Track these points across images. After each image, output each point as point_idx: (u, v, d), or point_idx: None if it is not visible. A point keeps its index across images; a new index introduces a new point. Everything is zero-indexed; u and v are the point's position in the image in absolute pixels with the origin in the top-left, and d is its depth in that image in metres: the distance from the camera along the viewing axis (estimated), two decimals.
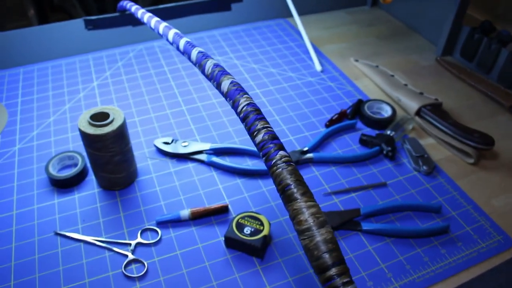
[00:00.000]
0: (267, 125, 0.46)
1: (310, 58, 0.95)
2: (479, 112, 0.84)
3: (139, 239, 0.59)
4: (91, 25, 0.92)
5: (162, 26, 0.67)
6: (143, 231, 0.60)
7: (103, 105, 0.82)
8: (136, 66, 0.92)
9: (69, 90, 0.86)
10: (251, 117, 0.47)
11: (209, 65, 0.54)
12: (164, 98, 0.83)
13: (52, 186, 0.67)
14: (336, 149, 0.74)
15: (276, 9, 1.10)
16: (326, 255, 0.38)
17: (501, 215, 0.65)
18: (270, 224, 0.60)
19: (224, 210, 0.63)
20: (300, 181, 0.42)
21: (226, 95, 0.50)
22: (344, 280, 0.37)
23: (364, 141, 0.74)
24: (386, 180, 0.69)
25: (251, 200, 0.65)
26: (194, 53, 0.57)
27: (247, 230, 0.58)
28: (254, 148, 0.72)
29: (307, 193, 0.42)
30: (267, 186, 0.67)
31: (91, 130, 0.59)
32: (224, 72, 0.52)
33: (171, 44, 0.64)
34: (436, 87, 0.89)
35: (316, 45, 1.01)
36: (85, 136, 0.59)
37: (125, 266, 0.56)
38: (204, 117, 0.79)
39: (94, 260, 0.57)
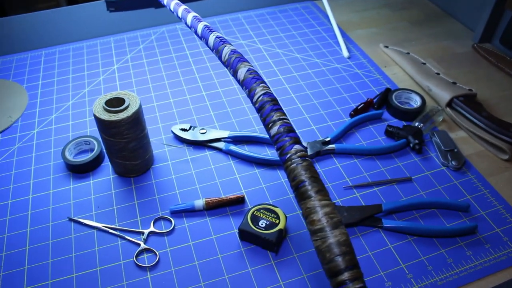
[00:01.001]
0: (283, 117, 0.44)
1: (338, 44, 0.91)
2: None
3: (152, 228, 0.58)
4: (113, 7, 0.91)
5: (181, 9, 0.65)
6: (157, 220, 0.59)
7: (122, 89, 0.81)
8: (158, 49, 0.91)
9: (89, 73, 0.85)
10: (267, 108, 0.44)
11: (226, 51, 0.52)
12: (185, 83, 0.81)
13: (68, 171, 0.66)
14: (360, 140, 0.71)
15: None
16: (339, 258, 0.36)
17: None
18: (286, 217, 0.57)
19: (240, 201, 0.61)
20: (315, 178, 0.40)
21: (242, 83, 0.48)
22: (357, 286, 0.35)
23: (390, 133, 0.70)
24: (412, 174, 0.66)
25: (269, 191, 0.63)
26: (211, 38, 0.55)
27: (262, 223, 0.56)
28: None
29: (322, 191, 0.39)
30: (285, 177, 0.65)
31: (106, 116, 0.58)
32: (241, 59, 0.50)
33: (190, 28, 0.62)
34: (471, 76, 0.84)
35: (344, 30, 0.97)
36: (99, 122, 0.58)
37: (137, 255, 0.55)
38: (224, 104, 0.77)
39: (106, 248, 0.56)
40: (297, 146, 0.41)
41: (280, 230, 0.56)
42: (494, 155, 0.69)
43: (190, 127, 0.71)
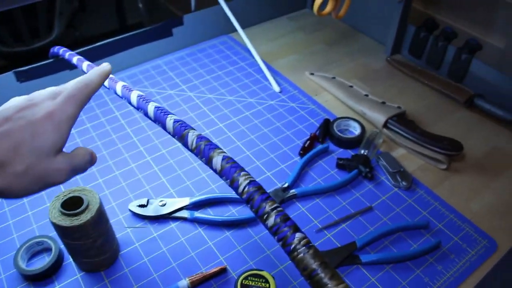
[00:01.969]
0: (275, 205, 0.44)
1: (265, 78, 0.93)
2: (437, 112, 0.86)
3: None
4: (24, 77, 0.83)
5: (119, 85, 0.61)
6: None
7: None
8: (83, 115, 0.85)
9: None
10: (257, 199, 0.44)
11: (192, 137, 0.50)
12: (124, 150, 0.78)
13: (26, 281, 0.60)
14: (315, 178, 0.73)
15: (218, 26, 1.06)
16: None
17: (480, 219, 0.68)
18: (274, 278, 0.58)
19: (222, 271, 0.61)
20: (325, 264, 0.41)
21: (220, 174, 0.47)
22: None
23: (341, 165, 0.74)
24: (370, 202, 0.70)
25: (246, 252, 0.63)
26: (169, 123, 0.53)
27: None
28: (235, 196, 0.69)
29: (334, 276, 0.40)
30: (257, 234, 0.65)
31: (67, 222, 0.53)
32: (212, 146, 0.49)
33: (132, 105, 0.59)
34: (393, 91, 0.91)
35: (266, 61, 0.99)
36: (60, 229, 0.54)
37: None
38: (173, 166, 0.75)
39: None
40: (298, 235, 0.42)
41: None
42: (434, 167, 0.76)
43: (148, 201, 0.68)
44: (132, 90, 0.58)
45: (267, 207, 0.44)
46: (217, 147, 0.49)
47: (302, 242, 0.42)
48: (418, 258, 0.63)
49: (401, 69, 0.94)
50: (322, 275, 0.40)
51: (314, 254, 0.41)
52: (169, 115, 0.53)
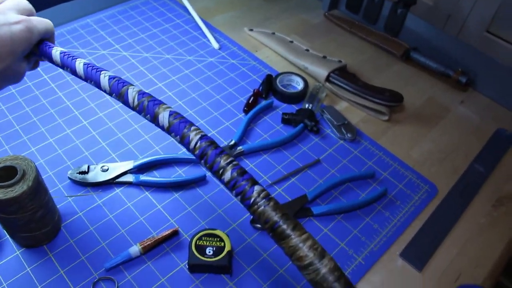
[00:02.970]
0: (230, 159, 0.42)
1: (203, 35, 0.89)
2: (376, 66, 0.88)
3: None
4: None
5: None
6: (96, 283, 0.54)
7: None
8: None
9: None
10: (210, 154, 0.42)
11: (132, 94, 0.46)
12: (57, 115, 0.72)
13: None
14: (261, 134, 0.72)
15: None
16: (336, 285, 0.38)
17: (421, 165, 0.71)
18: (228, 236, 0.57)
19: (174, 234, 0.59)
20: (286, 215, 0.40)
21: (168, 131, 0.45)
22: None
23: (287, 120, 0.74)
24: (318, 156, 0.70)
25: (197, 213, 0.62)
26: (104, 80, 0.48)
27: (209, 250, 0.56)
28: (181, 156, 0.67)
29: (297, 226, 0.40)
30: (207, 194, 0.64)
31: (0, 195, 0.48)
32: (156, 101, 0.46)
33: (55, 64, 0.53)
34: (333, 46, 0.91)
35: (204, 19, 0.95)
36: None
37: None
38: (112, 129, 0.70)
39: None
40: (257, 188, 0.41)
41: (228, 251, 0.56)
42: (376, 118, 0.77)
43: (88, 167, 0.64)
44: (52, 47, 0.52)
45: (222, 161, 0.42)
46: (162, 102, 0.46)
47: (261, 195, 0.41)
48: (367, 207, 0.65)
49: (339, 24, 0.94)
50: (285, 226, 0.40)
51: (275, 206, 0.40)
52: (102, 72, 0.49)
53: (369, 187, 0.67)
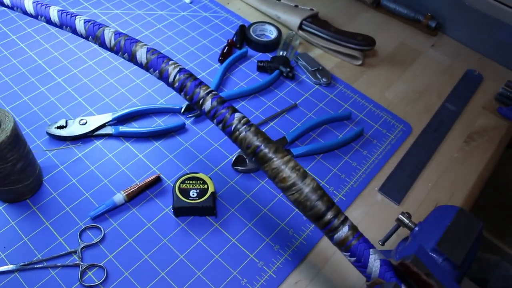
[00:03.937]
0: (209, 90, 0.43)
1: None
2: (347, 13, 0.89)
3: (82, 243, 0.53)
4: None
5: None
6: (82, 232, 0.54)
7: None
8: None
9: None
10: (190, 86, 0.43)
11: (108, 35, 0.46)
12: (30, 73, 0.70)
13: None
14: (238, 82, 0.73)
15: None
16: (319, 203, 0.39)
17: (395, 106, 0.73)
18: (211, 179, 0.58)
19: (157, 180, 0.59)
20: (267, 139, 0.41)
21: (147, 67, 0.45)
22: (341, 219, 0.39)
23: (262, 68, 0.74)
24: (294, 100, 0.71)
25: (178, 160, 0.62)
26: (80, 23, 0.48)
27: (193, 193, 0.56)
28: (159, 106, 0.66)
29: (278, 149, 0.41)
30: (187, 141, 0.64)
31: None
32: (133, 40, 0.46)
33: (29, 15, 0.53)
34: None
35: None
36: None
37: (82, 277, 0.50)
38: (87, 85, 0.70)
39: (41, 286, 0.49)
40: (237, 115, 0.42)
41: (212, 193, 0.57)
42: (350, 63, 0.78)
43: (66, 122, 0.63)
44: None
45: (202, 92, 0.42)
46: (138, 40, 0.46)
47: (242, 121, 0.42)
48: (345, 146, 0.67)
49: None
50: (266, 150, 0.41)
51: (256, 132, 0.41)
52: (77, 17, 0.49)
53: (346, 128, 0.69)
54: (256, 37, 0.77)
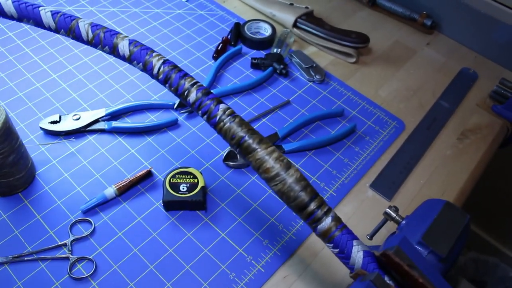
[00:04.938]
0: (194, 81, 0.43)
1: None
2: (343, 12, 0.89)
3: (72, 236, 0.53)
4: None
5: None
6: (72, 225, 0.54)
7: None
8: None
9: None
10: (174, 77, 0.43)
11: (84, 28, 0.46)
12: (26, 70, 0.71)
13: None
14: (231, 79, 0.73)
15: None
16: (302, 193, 0.39)
17: (389, 103, 0.73)
18: (202, 174, 0.59)
19: (149, 175, 0.60)
20: (252, 130, 0.42)
21: (130, 59, 0.45)
22: (324, 210, 0.39)
23: (256, 65, 0.74)
24: (288, 97, 0.72)
25: (170, 155, 0.63)
26: (46, 16, 0.46)
27: (183, 187, 0.57)
28: (152, 102, 0.67)
29: (262, 140, 0.41)
30: (180, 136, 0.65)
31: None
32: (113, 32, 0.46)
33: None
34: None
35: None
36: None
37: (71, 269, 0.51)
38: (82, 81, 0.70)
39: (30, 278, 0.50)
40: (222, 106, 0.42)
41: (202, 187, 0.57)
42: (344, 61, 0.79)
43: (60, 117, 0.64)
44: None
45: (186, 83, 0.43)
46: (118, 32, 0.46)
47: (226, 112, 0.42)
48: (337, 143, 0.67)
49: None
50: (250, 141, 0.41)
51: (240, 122, 0.42)
52: (41, 8, 0.46)
53: (339, 124, 0.69)
54: (251, 35, 0.78)
